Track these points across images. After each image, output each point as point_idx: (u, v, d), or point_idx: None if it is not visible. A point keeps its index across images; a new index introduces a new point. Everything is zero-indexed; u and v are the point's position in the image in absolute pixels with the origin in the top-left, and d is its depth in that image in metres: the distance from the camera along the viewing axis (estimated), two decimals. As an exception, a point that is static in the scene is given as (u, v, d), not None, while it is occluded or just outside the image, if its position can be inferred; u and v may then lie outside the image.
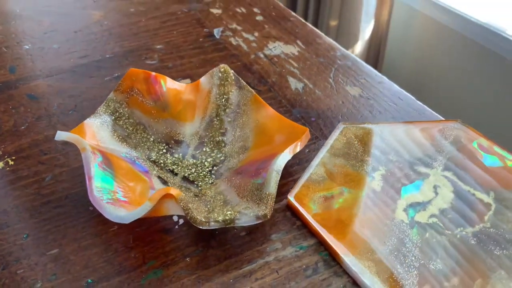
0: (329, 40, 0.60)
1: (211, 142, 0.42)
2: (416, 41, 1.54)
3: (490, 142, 0.42)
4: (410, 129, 0.44)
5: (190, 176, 0.40)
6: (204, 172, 0.40)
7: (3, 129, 0.45)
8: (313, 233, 0.35)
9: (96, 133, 0.39)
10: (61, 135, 0.36)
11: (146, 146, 0.41)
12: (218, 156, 0.41)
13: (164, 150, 0.42)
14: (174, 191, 0.31)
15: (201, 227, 0.32)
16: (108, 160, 0.36)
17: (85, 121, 0.39)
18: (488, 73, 1.32)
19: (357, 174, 0.40)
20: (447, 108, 1.46)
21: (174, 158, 0.41)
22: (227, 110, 0.43)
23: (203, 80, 0.45)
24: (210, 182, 0.39)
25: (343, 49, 0.58)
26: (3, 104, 0.49)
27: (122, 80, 0.42)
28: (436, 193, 0.38)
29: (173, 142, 0.42)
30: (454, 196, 0.38)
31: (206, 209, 0.35)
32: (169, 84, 0.44)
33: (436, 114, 0.47)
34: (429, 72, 1.52)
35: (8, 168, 0.41)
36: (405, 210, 0.36)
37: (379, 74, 0.54)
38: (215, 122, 0.43)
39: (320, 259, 0.34)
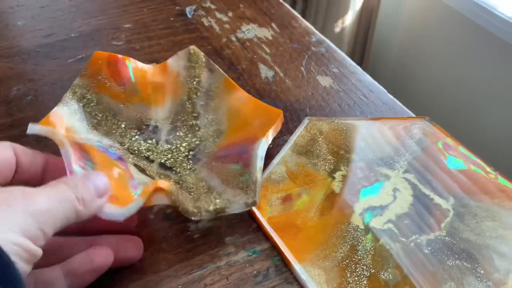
0: (305, 23, 0.58)
1: (184, 126, 0.41)
2: (408, 12, 1.50)
3: (455, 143, 0.41)
4: (376, 127, 0.43)
5: (167, 162, 0.39)
6: (181, 157, 0.39)
7: (-41, 115, 0.44)
8: (267, 237, 0.35)
9: (65, 123, 0.37)
10: (33, 129, 0.34)
11: (117, 133, 0.40)
12: (193, 140, 0.40)
13: (137, 136, 0.40)
14: (163, 183, 0.31)
15: (192, 218, 0.32)
16: (85, 152, 0.35)
17: (53, 110, 0.37)
18: (481, 50, 1.30)
19: (318, 174, 0.39)
20: (435, 85, 1.44)
21: (148, 144, 0.40)
22: (198, 93, 0.42)
23: (170, 61, 0.43)
24: (188, 167, 0.38)
25: (318, 33, 0.56)
26: (-39, 87, 0.47)
27: (87, 64, 0.40)
28: (395, 197, 0.37)
29: (144, 127, 0.41)
30: (413, 200, 0.37)
31: (191, 197, 0.34)
32: (136, 66, 0.42)
33: (406, 109, 0.46)
34: (419, 44, 1.50)
35: (-39, 159, 0.40)
36: (361, 214, 0.36)
37: (353, 64, 0.52)
38: (187, 105, 0.42)
39: (272, 264, 0.33)
